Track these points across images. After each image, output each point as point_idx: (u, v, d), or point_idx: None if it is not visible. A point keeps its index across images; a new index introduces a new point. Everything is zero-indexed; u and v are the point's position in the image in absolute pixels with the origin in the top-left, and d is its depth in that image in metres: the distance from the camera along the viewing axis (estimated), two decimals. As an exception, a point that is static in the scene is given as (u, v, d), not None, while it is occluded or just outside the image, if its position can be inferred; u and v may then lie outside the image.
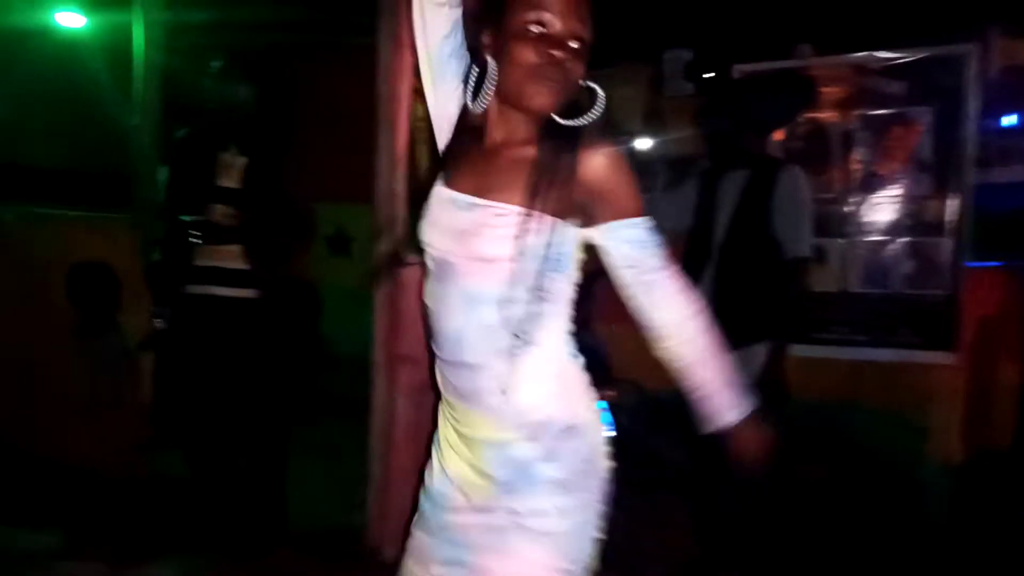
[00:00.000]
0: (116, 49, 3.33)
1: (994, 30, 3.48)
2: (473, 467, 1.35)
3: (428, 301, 1.39)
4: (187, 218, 2.71)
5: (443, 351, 1.36)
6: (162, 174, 2.91)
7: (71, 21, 3.78)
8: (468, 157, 1.37)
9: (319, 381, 3.77)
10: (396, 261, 2.76)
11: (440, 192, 1.37)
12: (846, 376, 3.52)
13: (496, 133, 1.36)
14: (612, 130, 3.97)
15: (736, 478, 2.52)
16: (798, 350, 2.79)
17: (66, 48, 3.77)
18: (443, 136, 1.45)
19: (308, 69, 3.70)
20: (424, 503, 1.44)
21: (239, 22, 3.23)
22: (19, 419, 3.33)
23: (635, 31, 3.54)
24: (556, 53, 1.26)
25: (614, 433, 2.76)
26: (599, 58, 1.33)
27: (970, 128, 3.39)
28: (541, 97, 1.28)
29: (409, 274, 2.76)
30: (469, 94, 1.37)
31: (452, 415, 1.39)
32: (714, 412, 1.39)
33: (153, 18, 3.13)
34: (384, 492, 2.80)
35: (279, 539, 2.87)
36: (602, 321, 3.01)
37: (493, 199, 1.29)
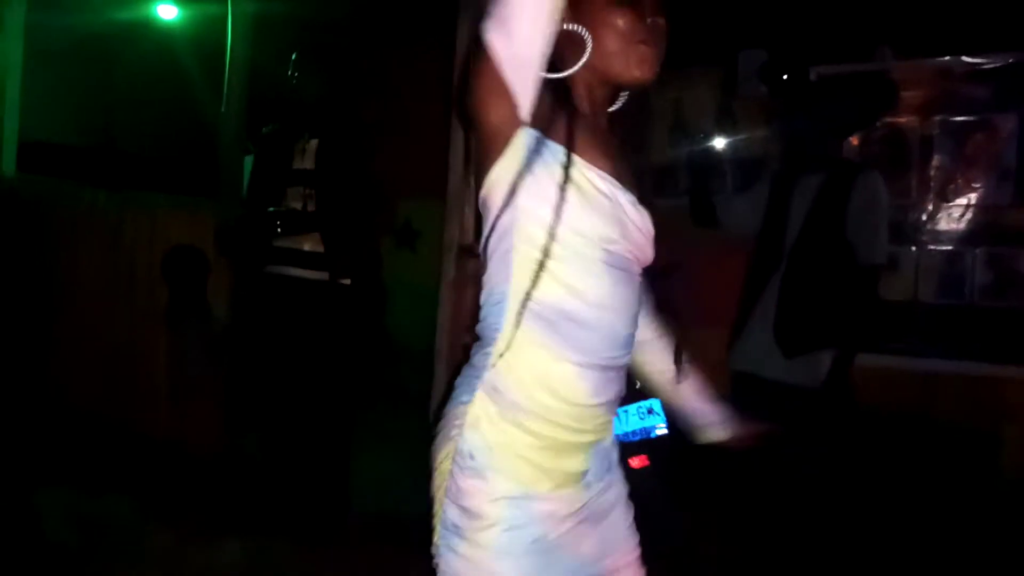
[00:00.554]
0: (207, 41, 3.48)
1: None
2: (569, 475, 1.22)
3: (598, 304, 1.20)
4: (270, 208, 2.83)
5: (610, 357, 1.22)
6: (247, 164, 3.05)
7: (166, 13, 3.97)
8: (583, 133, 1.21)
9: (383, 371, 3.87)
10: (465, 252, 2.82)
11: (599, 180, 1.19)
12: (918, 388, 3.44)
13: (584, 106, 1.25)
14: (684, 130, 3.97)
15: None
16: (869, 359, 2.74)
17: (161, 39, 3.95)
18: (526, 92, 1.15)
19: (385, 62, 3.79)
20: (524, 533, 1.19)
21: (327, 15, 3.34)
22: (114, 396, 3.51)
23: (709, 31, 3.53)
24: (658, 20, 1.22)
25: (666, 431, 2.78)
26: (671, 59, 1.28)
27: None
28: (646, 66, 1.22)
29: (475, 266, 2.83)
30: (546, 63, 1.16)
31: (571, 427, 1.21)
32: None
33: (241, 11, 3.26)
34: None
35: (342, 524, 2.97)
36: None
37: (632, 192, 1.23)
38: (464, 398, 1.22)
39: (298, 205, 2.85)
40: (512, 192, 1.17)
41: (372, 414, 3.33)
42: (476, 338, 1.29)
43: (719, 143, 4.06)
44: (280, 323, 2.91)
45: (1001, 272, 3.33)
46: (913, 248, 3.47)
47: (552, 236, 1.15)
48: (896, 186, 3.44)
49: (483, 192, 1.22)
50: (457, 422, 1.20)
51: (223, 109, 3.34)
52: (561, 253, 1.16)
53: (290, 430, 2.97)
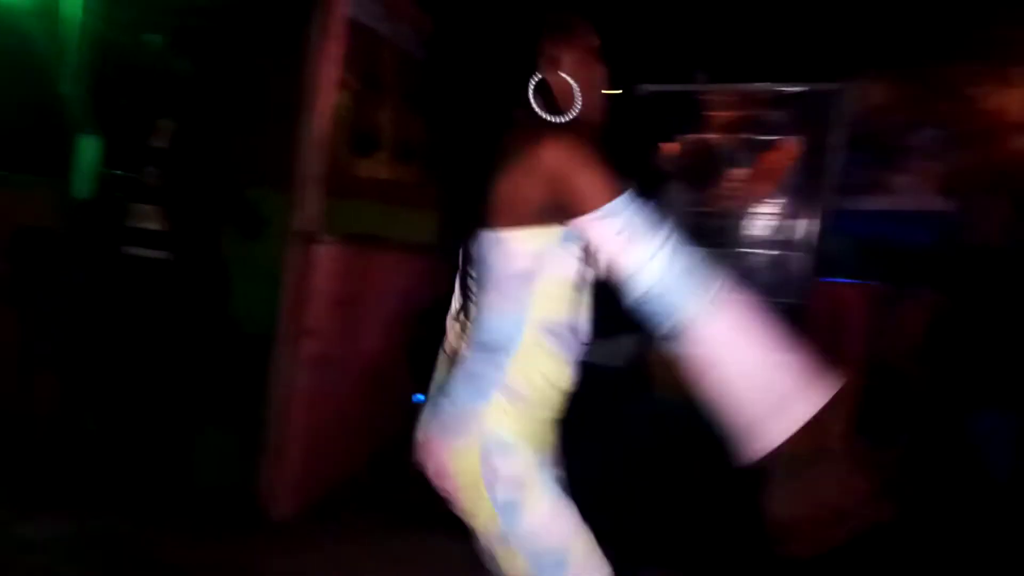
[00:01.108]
0: (54, 17, 3.42)
1: (861, 73, 3.95)
2: (550, 443, 1.48)
3: (587, 315, 1.46)
4: (117, 173, 2.89)
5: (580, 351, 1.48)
6: (97, 139, 3.08)
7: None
8: None
9: (225, 352, 3.95)
10: (309, 239, 3.00)
11: None
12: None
13: None
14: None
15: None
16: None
17: (3, 15, 3.81)
18: None
19: (245, 50, 3.85)
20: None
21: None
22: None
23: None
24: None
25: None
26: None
27: (833, 159, 3.85)
28: (605, 111, 1.44)
29: (319, 252, 3.01)
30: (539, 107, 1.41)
31: (558, 408, 1.47)
32: None
33: (91, -12, 3.26)
34: (279, 458, 3.05)
35: (178, 499, 3.06)
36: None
37: None
38: (478, 402, 1.39)
39: (147, 179, 2.93)
40: (542, 245, 1.37)
41: (215, 393, 3.43)
42: (460, 350, 1.52)
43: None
44: (125, 302, 2.98)
45: (781, 272, 3.89)
46: (714, 249, 3.97)
47: (580, 279, 1.40)
48: (702, 194, 3.93)
49: (508, 233, 1.38)
50: (475, 423, 1.38)
51: (68, 87, 3.31)
52: (582, 287, 1.42)
53: (131, 406, 3.04)
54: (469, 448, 1.37)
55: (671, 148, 3.96)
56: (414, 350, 3.42)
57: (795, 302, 3.76)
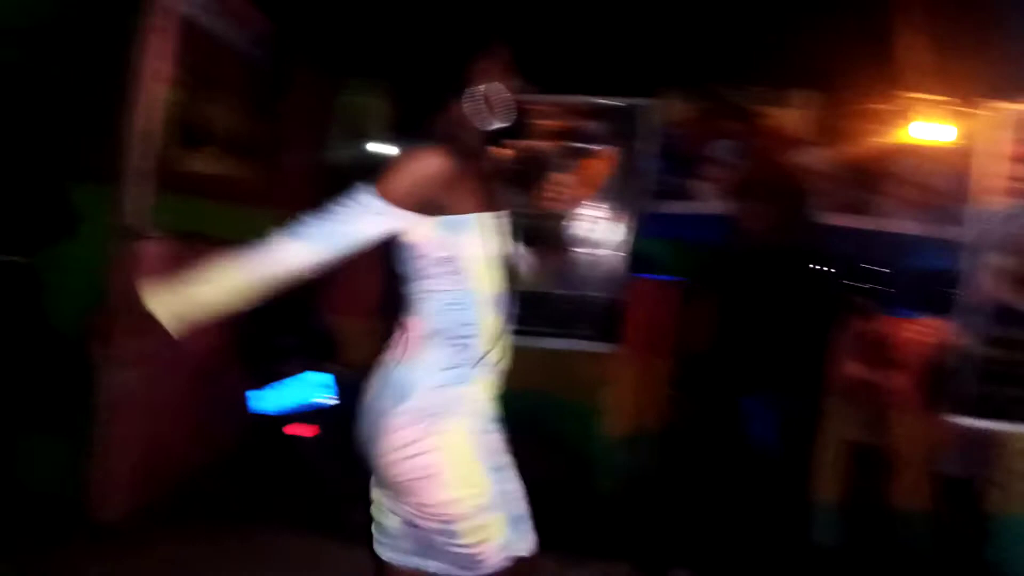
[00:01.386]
0: None
1: (668, 90, 4.39)
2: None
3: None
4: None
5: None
6: None
7: None
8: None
9: (41, 353, 3.74)
10: (135, 235, 2.95)
11: None
12: (538, 364, 4.25)
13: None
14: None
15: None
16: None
17: None
18: None
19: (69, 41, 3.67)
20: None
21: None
22: None
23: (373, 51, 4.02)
24: None
25: (337, 401, 3.23)
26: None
27: (645, 167, 4.25)
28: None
29: (146, 248, 2.97)
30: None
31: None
32: None
33: None
34: (106, 460, 2.97)
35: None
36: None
37: None
38: (460, 385, 1.65)
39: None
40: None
41: (37, 397, 3.27)
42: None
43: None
44: None
45: (599, 270, 4.23)
46: (538, 247, 4.25)
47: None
48: (527, 197, 4.17)
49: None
50: (455, 405, 1.64)
51: None
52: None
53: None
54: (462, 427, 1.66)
55: (501, 153, 4.19)
56: (246, 349, 3.42)
57: (613, 297, 4.12)
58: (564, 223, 4.28)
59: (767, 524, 3.42)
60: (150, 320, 1.54)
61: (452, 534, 1.59)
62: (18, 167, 2.89)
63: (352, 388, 3.64)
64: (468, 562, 1.61)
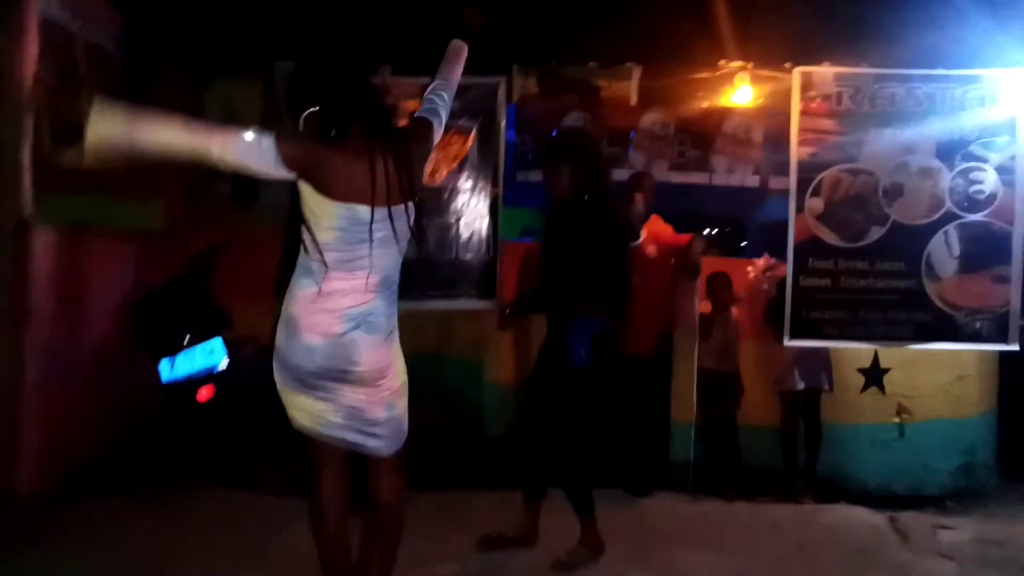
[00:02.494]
0: None
1: (518, 68, 4.78)
2: None
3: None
4: None
5: None
6: None
7: None
8: None
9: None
10: (22, 227, 3.08)
11: None
12: (427, 325, 4.59)
13: None
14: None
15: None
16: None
17: None
18: None
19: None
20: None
21: None
22: None
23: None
24: None
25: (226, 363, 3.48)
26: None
27: (501, 140, 4.61)
28: None
29: (38, 238, 3.11)
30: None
31: None
32: None
33: None
34: (12, 438, 3.10)
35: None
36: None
37: None
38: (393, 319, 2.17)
39: None
40: None
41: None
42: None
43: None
44: None
45: (475, 235, 4.56)
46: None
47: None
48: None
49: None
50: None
51: None
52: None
53: None
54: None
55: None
56: (150, 328, 3.58)
57: (485, 257, 4.49)
58: (437, 194, 4.61)
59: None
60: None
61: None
62: None
63: (242, 353, 3.88)
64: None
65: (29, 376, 3.05)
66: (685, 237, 4.36)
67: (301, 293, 2.05)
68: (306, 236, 2.02)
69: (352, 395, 2.07)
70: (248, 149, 1.91)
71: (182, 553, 2.79)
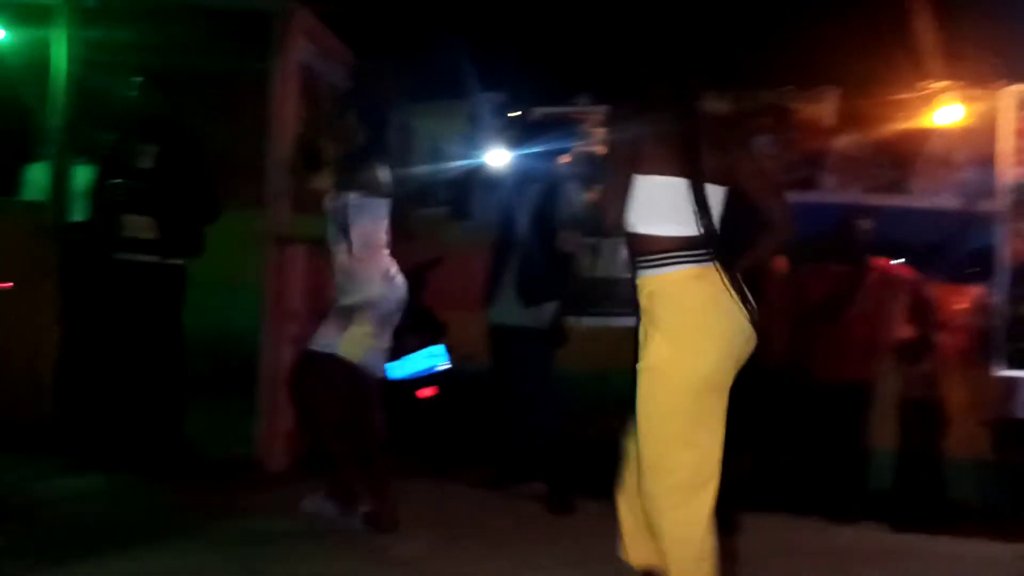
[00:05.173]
0: (38, 60, 3.93)
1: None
2: None
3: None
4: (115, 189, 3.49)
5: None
6: (85, 168, 3.66)
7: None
8: None
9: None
10: (282, 241, 3.63)
11: None
12: (612, 341, 4.74)
13: None
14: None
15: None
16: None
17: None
18: None
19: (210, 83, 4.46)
20: None
21: (151, 44, 3.96)
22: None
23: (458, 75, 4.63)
24: None
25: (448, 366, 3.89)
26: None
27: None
28: None
29: (292, 250, 3.65)
30: None
31: None
32: None
33: (75, 35, 3.78)
34: (270, 421, 3.62)
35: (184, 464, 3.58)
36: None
37: None
38: None
39: (139, 199, 3.50)
40: None
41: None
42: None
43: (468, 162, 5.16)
44: (118, 296, 3.58)
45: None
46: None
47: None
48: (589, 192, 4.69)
49: None
50: None
51: (52, 121, 3.82)
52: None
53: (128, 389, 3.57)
54: None
55: (564, 158, 4.76)
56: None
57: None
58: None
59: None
60: None
61: None
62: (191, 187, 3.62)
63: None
64: None
65: (284, 367, 3.54)
66: (904, 268, 4.27)
67: None
68: None
69: None
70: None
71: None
